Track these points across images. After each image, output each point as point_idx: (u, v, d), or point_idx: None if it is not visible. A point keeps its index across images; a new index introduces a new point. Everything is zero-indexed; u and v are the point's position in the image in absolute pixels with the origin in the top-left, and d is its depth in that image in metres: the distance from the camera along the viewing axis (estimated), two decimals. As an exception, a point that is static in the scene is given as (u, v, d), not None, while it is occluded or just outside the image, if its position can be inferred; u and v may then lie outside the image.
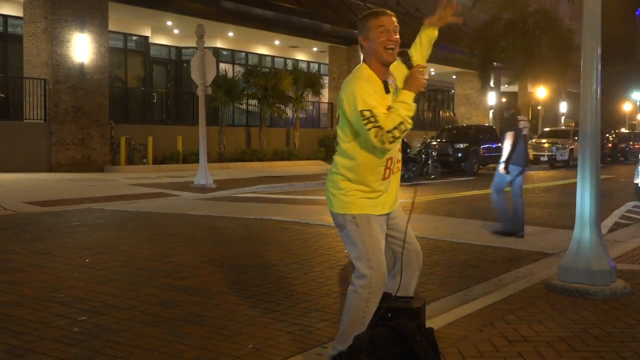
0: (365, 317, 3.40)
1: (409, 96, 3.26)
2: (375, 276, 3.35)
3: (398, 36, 3.41)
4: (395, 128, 3.19)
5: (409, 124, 3.23)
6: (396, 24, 3.41)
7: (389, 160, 3.43)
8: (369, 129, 3.20)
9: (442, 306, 5.19)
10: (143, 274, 6.28)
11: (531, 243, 8.30)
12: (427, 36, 3.74)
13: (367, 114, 3.21)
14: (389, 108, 3.30)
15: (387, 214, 3.54)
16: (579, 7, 42.55)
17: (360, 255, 3.39)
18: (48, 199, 12.33)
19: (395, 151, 3.45)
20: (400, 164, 3.57)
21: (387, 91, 3.35)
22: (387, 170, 3.43)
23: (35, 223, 9.52)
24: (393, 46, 3.35)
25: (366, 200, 3.41)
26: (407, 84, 3.32)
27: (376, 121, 3.19)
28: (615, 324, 4.61)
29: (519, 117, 9.34)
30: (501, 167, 8.97)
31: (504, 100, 46.36)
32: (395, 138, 3.22)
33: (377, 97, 3.28)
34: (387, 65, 3.39)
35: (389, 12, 3.46)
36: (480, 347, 4.09)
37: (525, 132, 9.33)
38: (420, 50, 3.72)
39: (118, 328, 4.57)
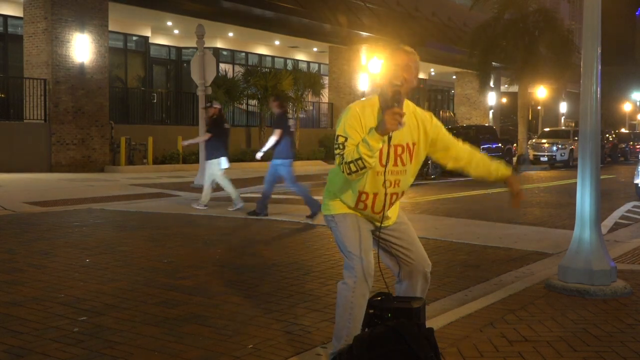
0: (353, 309, 3.45)
1: (372, 136, 3.17)
2: (358, 266, 3.44)
3: (412, 74, 3.35)
4: (352, 162, 3.21)
5: (367, 163, 3.18)
6: (409, 62, 3.35)
7: (364, 195, 3.43)
8: (336, 155, 3.32)
9: (442, 306, 5.19)
10: (143, 274, 6.28)
11: (531, 243, 8.30)
12: (498, 177, 3.62)
13: (340, 139, 3.30)
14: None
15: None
16: (579, 7, 42.60)
17: (343, 249, 3.54)
18: (48, 199, 12.33)
19: (373, 188, 3.40)
20: (394, 205, 3.53)
21: (389, 137, 3.28)
22: (361, 203, 3.47)
23: (35, 223, 9.52)
24: (399, 82, 3.30)
25: (344, 204, 3.55)
26: (378, 124, 3.23)
27: (343, 149, 3.27)
28: (615, 324, 4.61)
29: (289, 116, 10.82)
30: (259, 155, 10.89)
31: (504, 100, 46.40)
32: (351, 171, 3.23)
33: (361, 131, 3.27)
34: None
35: (406, 49, 3.42)
36: (480, 347, 4.09)
37: (292, 129, 10.72)
38: (482, 165, 3.60)
39: (118, 328, 4.57)
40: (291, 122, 10.71)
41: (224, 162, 11.15)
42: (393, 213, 3.61)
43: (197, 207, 11.20)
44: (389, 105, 3.22)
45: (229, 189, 11.31)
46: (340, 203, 3.54)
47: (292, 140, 10.46)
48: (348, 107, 3.41)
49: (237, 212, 10.98)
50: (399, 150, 3.40)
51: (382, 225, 3.53)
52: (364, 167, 3.20)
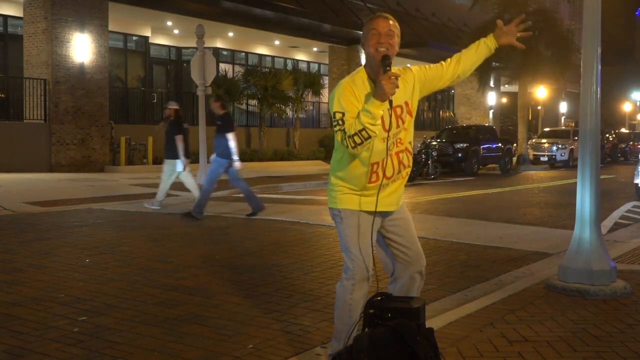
0: (352, 310, 3.45)
1: (372, 104, 3.17)
2: (357, 268, 3.43)
3: (395, 40, 3.37)
4: (355, 134, 3.19)
5: (371, 132, 3.18)
6: (392, 28, 3.37)
7: (375, 165, 3.39)
8: (337, 131, 3.29)
9: (442, 306, 5.19)
10: (143, 274, 6.28)
11: (531, 243, 8.30)
12: (488, 46, 3.59)
13: (338, 116, 3.28)
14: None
15: (383, 213, 3.53)
16: (578, 7, 42.62)
17: (344, 247, 3.50)
18: (48, 199, 12.33)
19: (383, 156, 3.37)
20: (406, 170, 3.50)
21: (390, 103, 3.28)
22: (374, 175, 3.41)
23: (35, 223, 9.52)
24: (384, 48, 3.31)
25: (354, 196, 3.46)
26: (374, 91, 3.22)
27: (343, 124, 3.25)
28: (615, 324, 4.61)
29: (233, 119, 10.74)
30: (238, 163, 10.37)
31: (504, 100, 46.40)
32: (356, 144, 3.21)
33: (356, 102, 3.27)
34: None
35: (386, 15, 3.43)
36: (480, 347, 4.09)
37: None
38: (474, 56, 3.58)
39: (118, 328, 4.57)
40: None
41: (179, 165, 11.15)
42: (399, 196, 3.56)
43: (150, 207, 11.26)
44: (382, 71, 3.21)
45: (162, 188, 11.42)
46: (349, 195, 3.45)
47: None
48: (338, 84, 3.39)
49: (236, 212, 10.99)
50: (398, 111, 3.40)
51: (393, 209, 3.50)
52: (369, 136, 3.19)
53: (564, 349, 4.08)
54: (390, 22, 3.39)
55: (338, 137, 3.29)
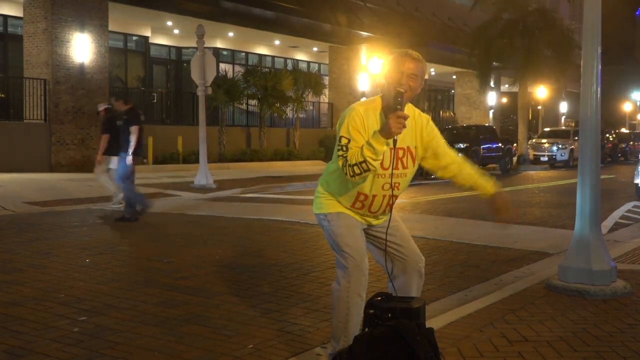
0: (350, 309, 3.45)
1: (376, 139, 3.18)
2: (351, 265, 3.44)
3: (417, 82, 3.33)
4: (355, 164, 3.22)
5: (371, 166, 3.20)
6: (416, 72, 3.31)
7: (362, 195, 3.44)
8: (339, 157, 3.31)
9: (442, 306, 5.19)
10: (143, 274, 6.28)
11: (531, 243, 8.30)
12: (485, 191, 3.65)
13: (344, 141, 3.30)
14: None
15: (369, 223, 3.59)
16: (578, 6, 42.63)
17: (336, 248, 3.52)
18: (48, 199, 12.33)
19: (372, 190, 3.39)
20: (389, 206, 3.49)
21: (394, 141, 3.29)
22: (358, 202, 3.47)
23: (35, 223, 9.52)
24: (403, 90, 3.27)
25: (337, 203, 3.54)
26: (381, 127, 3.22)
27: (346, 151, 3.26)
28: (615, 324, 4.61)
29: (140, 112, 10.58)
30: (129, 158, 9.94)
31: (504, 100, 46.39)
32: (355, 174, 3.23)
33: (364, 133, 3.27)
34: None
35: (416, 57, 3.36)
36: (480, 347, 4.09)
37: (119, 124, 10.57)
38: (471, 182, 3.61)
39: (118, 328, 4.57)
40: (142, 117, 10.67)
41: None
42: (383, 213, 3.60)
43: (112, 207, 11.25)
44: (392, 108, 3.21)
45: (109, 186, 11.47)
46: (334, 202, 3.53)
47: (117, 136, 10.42)
48: (351, 108, 3.38)
49: (239, 213, 10.98)
50: (400, 153, 3.40)
51: (375, 223, 3.56)
52: (368, 169, 3.21)
53: (564, 349, 4.08)
54: (419, 64, 3.34)
55: (339, 162, 3.30)
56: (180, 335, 4.44)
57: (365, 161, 3.19)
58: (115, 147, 10.65)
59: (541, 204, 13.50)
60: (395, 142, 3.26)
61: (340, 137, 3.30)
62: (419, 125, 3.47)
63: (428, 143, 3.50)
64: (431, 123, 3.53)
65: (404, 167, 3.43)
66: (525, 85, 30.19)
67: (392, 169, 3.37)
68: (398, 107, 3.20)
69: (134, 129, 9.95)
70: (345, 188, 3.47)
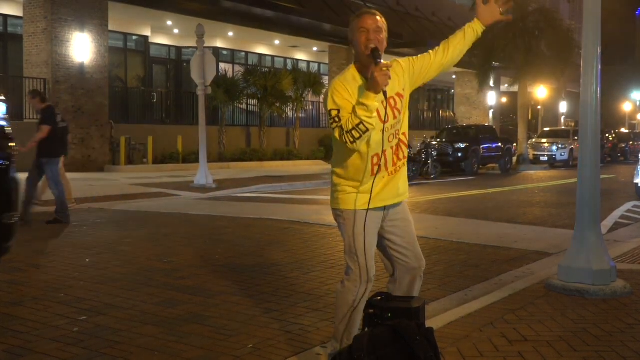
0: (355, 312, 3.44)
1: (367, 97, 3.19)
2: (361, 270, 3.41)
3: (383, 35, 3.39)
4: (353, 129, 3.21)
5: (368, 125, 3.19)
6: (379, 24, 3.38)
7: (375, 157, 3.39)
8: (334, 128, 3.30)
9: (442, 306, 5.19)
10: (143, 274, 6.27)
11: (531, 243, 8.30)
12: (474, 30, 3.63)
13: (334, 113, 3.29)
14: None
15: (385, 209, 3.51)
16: (579, 6, 42.63)
17: (347, 248, 3.47)
18: (47, 199, 12.31)
19: (382, 148, 3.37)
20: (402, 161, 3.50)
21: (384, 94, 3.28)
22: (376, 167, 3.40)
23: (35, 223, 9.51)
24: (374, 45, 3.32)
25: (357, 195, 3.43)
26: (368, 84, 3.23)
27: (339, 121, 3.26)
28: (615, 323, 4.61)
29: (57, 112, 10.11)
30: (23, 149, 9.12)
31: (504, 100, 46.40)
32: (355, 138, 3.22)
33: (350, 98, 3.29)
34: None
35: (372, 11, 3.44)
36: (480, 347, 4.09)
37: (63, 125, 10.08)
38: (462, 43, 3.60)
39: (118, 328, 4.57)
40: (59, 117, 10.03)
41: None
42: (404, 186, 3.56)
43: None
44: (374, 64, 3.23)
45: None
46: (352, 196, 3.43)
47: (61, 136, 9.90)
48: (331, 83, 3.42)
49: (239, 213, 10.98)
50: (392, 102, 3.41)
51: (394, 202, 3.49)
52: (367, 130, 3.20)
53: (564, 349, 4.08)
54: (377, 17, 3.40)
55: (336, 134, 3.29)
56: (180, 334, 4.44)
57: (362, 122, 3.18)
58: (54, 149, 9.79)
59: (541, 204, 13.51)
60: (385, 94, 3.25)
61: (330, 110, 3.31)
62: (399, 71, 3.48)
63: (414, 73, 3.52)
64: (404, 60, 3.53)
65: (399, 113, 3.45)
66: (525, 85, 30.19)
67: (390, 120, 3.37)
68: (378, 60, 3.22)
69: (43, 128, 9.50)
70: (357, 161, 3.40)
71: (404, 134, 3.52)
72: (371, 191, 3.39)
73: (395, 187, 3.51)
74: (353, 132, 3.20)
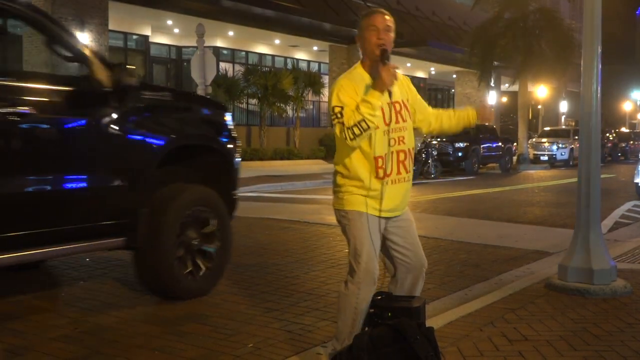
0: (357, 314, 3.42)
1: (372, 94, 3.23)
2: (364, 272, 3.39)
3: (392, 35, 3.42)
4: (354, 125, 3.22)
5: (370, 122, 3.21)
6: (389, 23, 3.41)
7: (380, 159, 3.37)
8: (335, 125, 3.31)
9: (442, 305, 5.19)
10: (143, 273, 6.27)
11: (531, 242, 8.31)
12: (470, 121, 3.76)
13: (337, 109, 3.30)
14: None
15: (387, 218, 3.50)
16: (579, 6, 42.61)
17: (351, 250, 3.45)
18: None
19: (385, 150, 3.36)
20: (408, 174, 3.47)
21: (390, 93, 3.32)
22: (380, 170, 3.38)
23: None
24: (383, 43, 3.35)
25: (361, 197, 3.41)
26: (374, 82, 3.28)
27: (342, 117, 3.27)
28: (615, 323, 4.61)
29: None
30: None
31: (504, 99, 46.39)
32: (355, 135, 3.23)
33: (355, 96, 3.30)
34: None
35: (382, 11, 3.47)
36: (480, 346, 4.09)
37: None
38: (455, 122, 3.73)
39: (118, 327, 4.57)
40: None
41: None
42: (402, 200, 3.54)
43: None
44: (382, 64, 3.27)
45: None
46: (356, 197, 3.41)
47: None
48: (336, 81, 3.43)
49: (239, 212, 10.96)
50: (397, 107, 3.43)
51: (395, 214, 3.48)
52: (368, 127, 3.21)
53: (564, 348, 4.08)
54: (387, 17, 3.43)
55: (337, 130, 3.30)
56: (181, 334, 4.44)
57: (363, 119, 3.20)
58: None
59: (541, 203, 13.51)
60: (390, 94, 3.29)
61: (333, 107, 3.32)
62: (404, 81, 3.56)
63: (413, 98, 3.59)
64: (409, 79, 3.63)
65: (403, 120, 3.45)
66: (525, 84, 30.19)
67: (392, 123, 3.38)
68: (386, 61, 3.27)
69: None
70: (362, 162, 3.38)
71: (412, 148, 3.52)
72: (381, 198, 3.38)
73: (399, 201, 3.49)
74: (354, 128, 3.22)
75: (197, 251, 5.28)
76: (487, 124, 4.07)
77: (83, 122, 4.71)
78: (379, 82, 3.22)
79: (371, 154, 3.37)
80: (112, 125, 4.77)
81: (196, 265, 5.26)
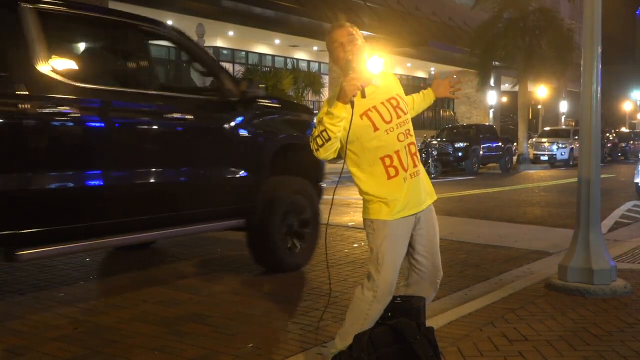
0: (367, 320, 3.37)
1: (335, 105, 3.18)
2: (382, 282, 3.33)
3: (358, 43, 3.37)
4: (317, 136, 3.22)
5: (330, 132, 3.17)
6: (351, 32, 3.37)
7: (387, 158, 3.33)
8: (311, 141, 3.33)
9: (442, 305, 5.18)
10: (143, 273, 6.28)
11: (531, 242, 8.31)
12: (429, 98, 3.91)
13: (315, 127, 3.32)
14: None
15: (416, 215, 3.47)
16: (579, 6, 42.63)
17: (372, 258, 3.38)
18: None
19: (393, 148, 3.33)
20: (418, 167, 3.44)
21: (363, 96, 3.25)
22: (390, 169, 3.33)
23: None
24: (351, 55, 3.29)
25: (382, 205, 3.35)
26: (338, 93, 3.22)
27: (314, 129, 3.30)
28: (615, 323, 4.61)
29: None
30: None
31: (504, 99, 46.42)
32: (318, 145, 3.22)
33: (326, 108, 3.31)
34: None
35: (341, 23, 3.43)
36: (480, 346, 4.09)
37: None
38: (417, 102, 3.85)
39: (118, 327, 4.57)
40: None
41: None
42: (421, 193, 3.50)
43: None
44: (345, 74, 3.25)
45: None
46: (381, 205, 3.35)
47: None
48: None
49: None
50: (394, 102, 3.40)
51: (421, 208, 3.48)
52: (329, 138, 3.19)
53: (564, 348, 4.08)
54: (347, 28, 3.39)
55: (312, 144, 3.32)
56: (181, 334, 4.45)
57: (325, 129, 3.18)
58: None
59: (541, 203, 13.51)
60: (352, 103, 3.21)
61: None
62: (390, 77, 3.55)
63: (402, 92, 3.62)
64: (394, 74, 3.65)
65: (404, 113, 3.43)
66: (525, 84, 30.19)
67: (395, 119, 3.37)
68: (349, 71, 3.22)
69: None
70: (371, 166, 3.35)
71: (415, 141, 3.50)
72: (397, 199, 3.34)
73: (418, 193, 3.45)
74: (317, 139, 3.22)
75: (294, 232, 6.32)
76: (452, 97, 4.16)
77: (221, 125, 5.82)
78: (341, 93, 3.17)
79: (376, 156, 3.32)
80: (240, 128, 5.96)
81: (294, 245, 6.32)
